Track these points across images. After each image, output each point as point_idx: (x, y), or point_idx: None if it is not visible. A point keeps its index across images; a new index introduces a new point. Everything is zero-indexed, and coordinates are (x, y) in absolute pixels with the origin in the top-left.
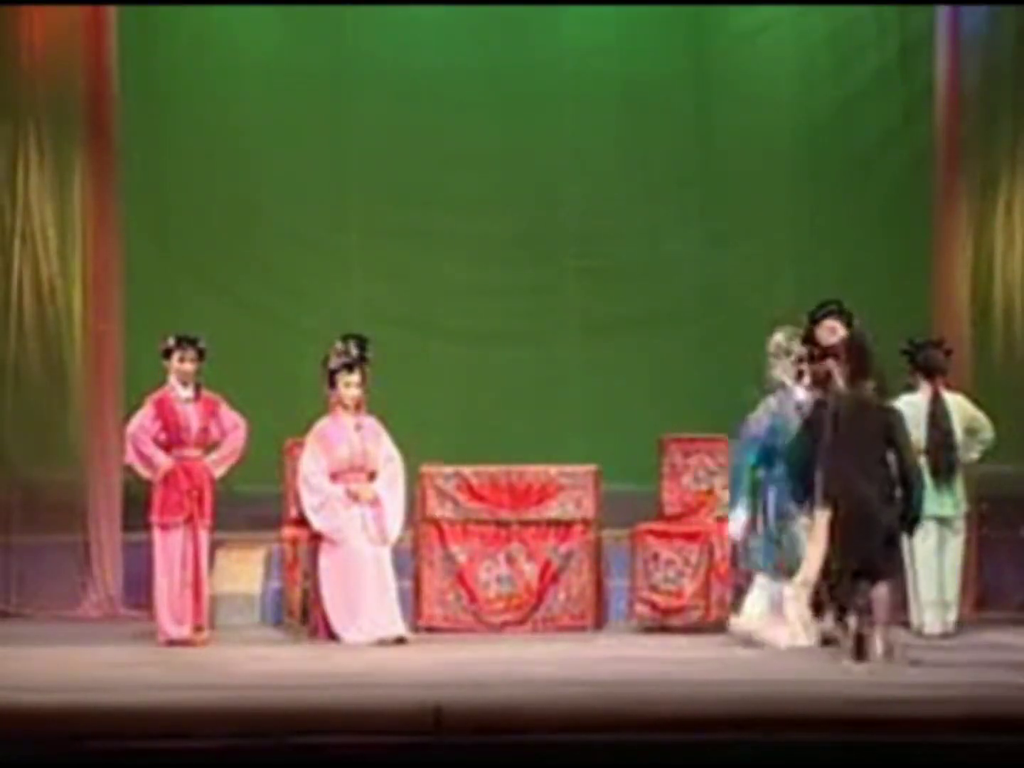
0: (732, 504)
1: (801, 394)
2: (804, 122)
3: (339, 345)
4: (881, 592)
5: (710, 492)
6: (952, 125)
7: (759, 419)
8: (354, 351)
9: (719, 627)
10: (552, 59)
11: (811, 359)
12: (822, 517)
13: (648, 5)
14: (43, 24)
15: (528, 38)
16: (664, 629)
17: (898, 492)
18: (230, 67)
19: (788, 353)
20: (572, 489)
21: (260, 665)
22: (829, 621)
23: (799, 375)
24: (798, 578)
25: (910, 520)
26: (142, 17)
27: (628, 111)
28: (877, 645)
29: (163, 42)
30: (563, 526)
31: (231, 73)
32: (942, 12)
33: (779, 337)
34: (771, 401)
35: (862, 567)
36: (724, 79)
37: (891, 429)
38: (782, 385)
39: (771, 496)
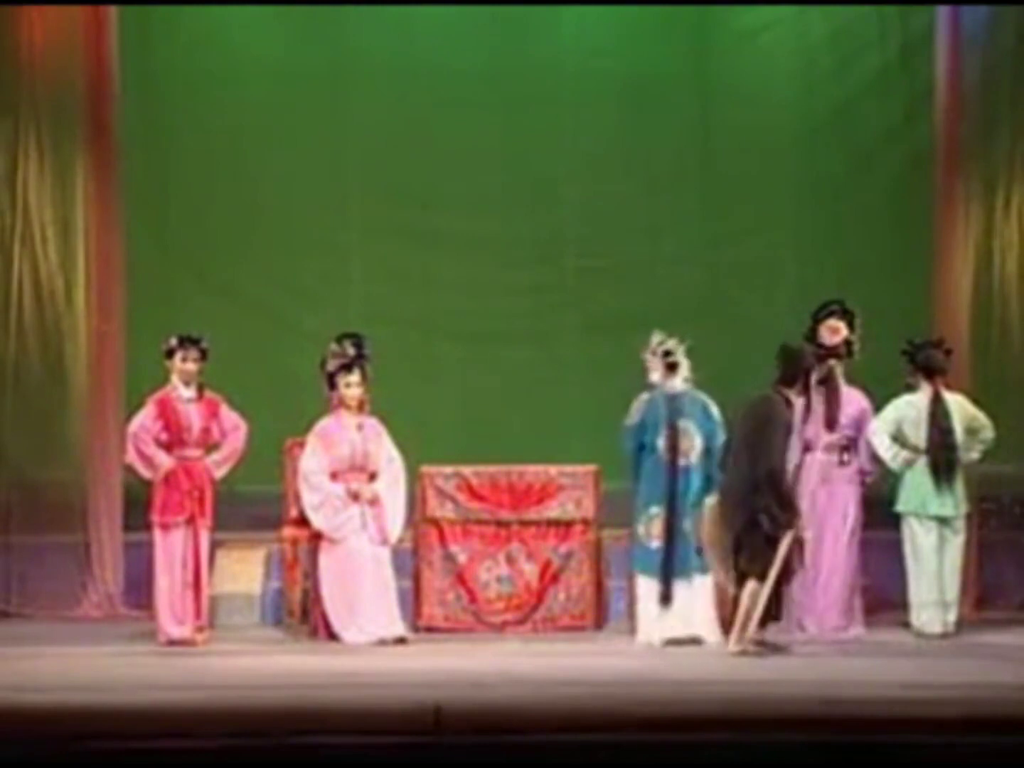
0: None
1: (679, 386)
2: (804, 122)
3: (335, 346)
4: (747, 590)
5: None
6: (952, 125)
7: (631, 415)
8: (351, 351)
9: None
10: (552, 59)
11: (814, 358)
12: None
13: (648, 5)
14: (43, 24)
15: (528, 38)
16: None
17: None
18: (230, 67)
19: (655, 354)
20: (572, 489)
21: (260, 665)
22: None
23: (670, 368)
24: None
25: (774, 523)
26: (142, 17)
27: (628, 111)
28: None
29: (163, 42)
30: (563, 526)
31: (231, 73)
32: (942, 12)
33: (653, 340)
34: (643, 396)
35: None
36: (724, 79)
37: (761, 430)
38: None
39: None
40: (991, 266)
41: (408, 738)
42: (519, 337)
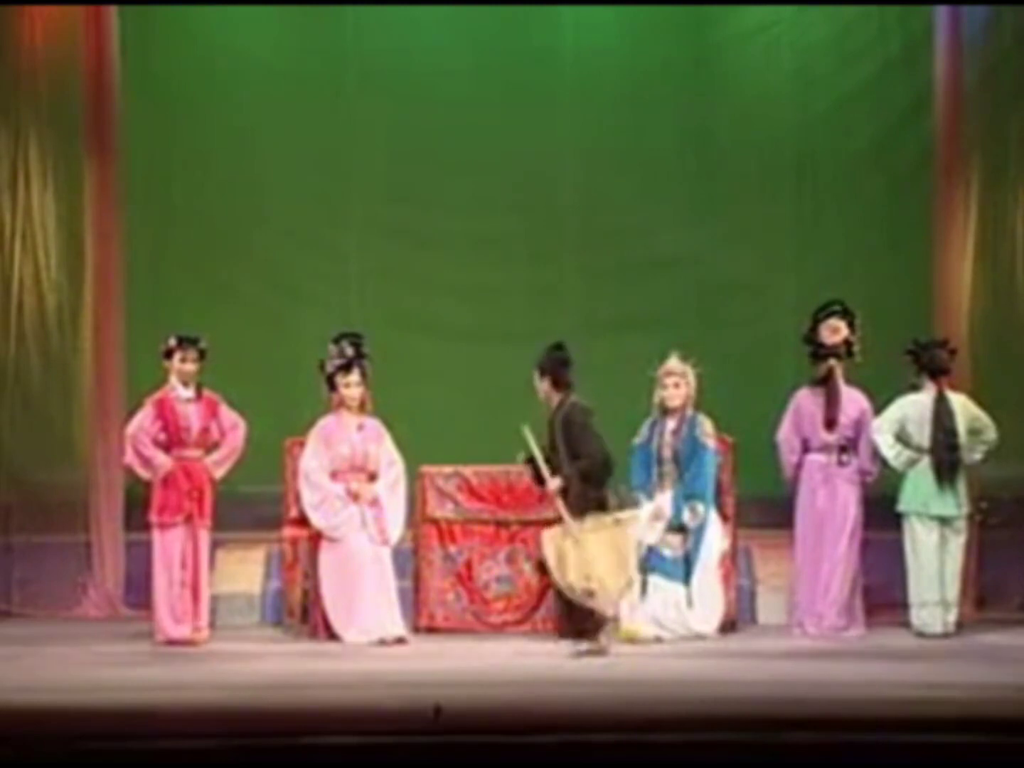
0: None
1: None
2: (804, 122)
3: (333, 347)
4: None
5: None
6: (952, 125)
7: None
8: (349, 351)
9: (718, 627)
10: (552, 58)
11: (813, 358)
12: None
13: (649, 5)
14: (43, 24)
15: (528, 37)
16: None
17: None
18: (230, 67)
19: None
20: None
21: (260, 665)
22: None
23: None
24: None
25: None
26: (142, 17)
27: (628, 111)
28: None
29: (163, 42)
30: None
31: (231, 73)
32: (942, 12)
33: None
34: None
35: None
36: (724, 79)
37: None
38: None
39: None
40: (991, 266)
41: (408, 738)
42: (519, 337)
